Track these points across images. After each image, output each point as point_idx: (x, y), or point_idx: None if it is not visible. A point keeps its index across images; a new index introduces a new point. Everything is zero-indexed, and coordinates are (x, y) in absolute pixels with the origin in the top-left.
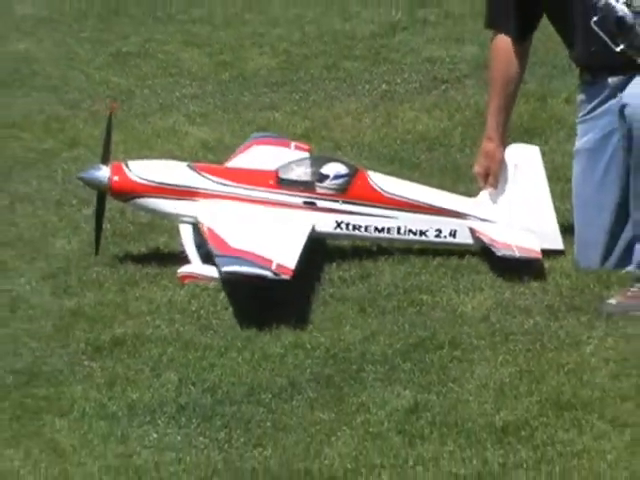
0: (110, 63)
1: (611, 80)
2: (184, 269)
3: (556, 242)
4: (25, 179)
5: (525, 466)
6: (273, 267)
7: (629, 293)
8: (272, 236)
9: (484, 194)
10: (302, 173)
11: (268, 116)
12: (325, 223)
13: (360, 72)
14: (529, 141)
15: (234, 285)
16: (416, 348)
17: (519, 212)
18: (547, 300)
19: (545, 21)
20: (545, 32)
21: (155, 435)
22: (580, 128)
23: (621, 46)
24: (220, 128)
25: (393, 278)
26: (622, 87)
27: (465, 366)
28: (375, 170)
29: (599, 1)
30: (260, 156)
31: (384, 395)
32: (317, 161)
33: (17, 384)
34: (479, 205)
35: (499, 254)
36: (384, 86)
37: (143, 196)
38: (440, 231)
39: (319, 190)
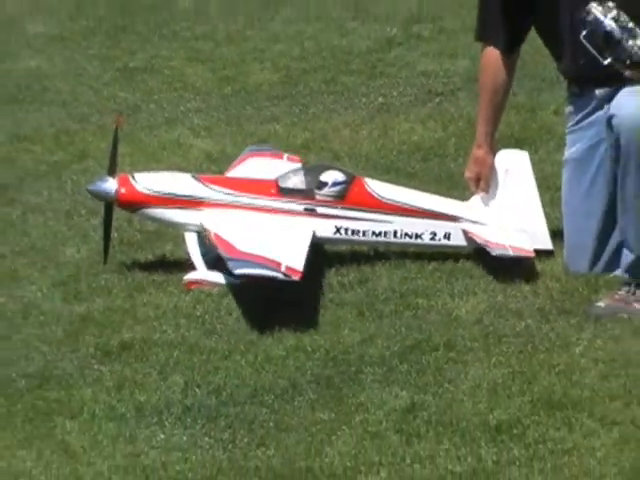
0: (117, 79)
1: (598, 92)
2: (190, 276)
3: (545, 242)
4: (36, 190)
5: (518, 463)
6: (283, 269)
7: (617, 296)
8: (277, 241)
9: (476, 198)
10: (302, 181)
11: (269, 128)
12: (325, 229)
13: (357, 86)
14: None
15: (237, 291)
16: (412, 350)
17: (510, 214)
18: (538, 303)
19: (534, 35)
20: (533, 45)
21: (162, 436)
22: (569, 138)
23: (608, 59)
24: (223, 140)
25: (390, 283)
26: (609, 99)
27: (460, 367)
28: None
29: (587, 16)
30: (256, 167)
31: (382, 395)
32: (315, 169)
33: (29, 387)
34: (471, 208)
35: (494, 254)
36: (380, 99)
37: (149, 206)
38: (435, 234)
39: (318, 197)
